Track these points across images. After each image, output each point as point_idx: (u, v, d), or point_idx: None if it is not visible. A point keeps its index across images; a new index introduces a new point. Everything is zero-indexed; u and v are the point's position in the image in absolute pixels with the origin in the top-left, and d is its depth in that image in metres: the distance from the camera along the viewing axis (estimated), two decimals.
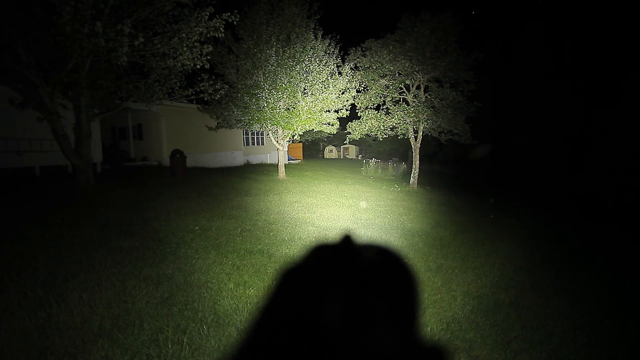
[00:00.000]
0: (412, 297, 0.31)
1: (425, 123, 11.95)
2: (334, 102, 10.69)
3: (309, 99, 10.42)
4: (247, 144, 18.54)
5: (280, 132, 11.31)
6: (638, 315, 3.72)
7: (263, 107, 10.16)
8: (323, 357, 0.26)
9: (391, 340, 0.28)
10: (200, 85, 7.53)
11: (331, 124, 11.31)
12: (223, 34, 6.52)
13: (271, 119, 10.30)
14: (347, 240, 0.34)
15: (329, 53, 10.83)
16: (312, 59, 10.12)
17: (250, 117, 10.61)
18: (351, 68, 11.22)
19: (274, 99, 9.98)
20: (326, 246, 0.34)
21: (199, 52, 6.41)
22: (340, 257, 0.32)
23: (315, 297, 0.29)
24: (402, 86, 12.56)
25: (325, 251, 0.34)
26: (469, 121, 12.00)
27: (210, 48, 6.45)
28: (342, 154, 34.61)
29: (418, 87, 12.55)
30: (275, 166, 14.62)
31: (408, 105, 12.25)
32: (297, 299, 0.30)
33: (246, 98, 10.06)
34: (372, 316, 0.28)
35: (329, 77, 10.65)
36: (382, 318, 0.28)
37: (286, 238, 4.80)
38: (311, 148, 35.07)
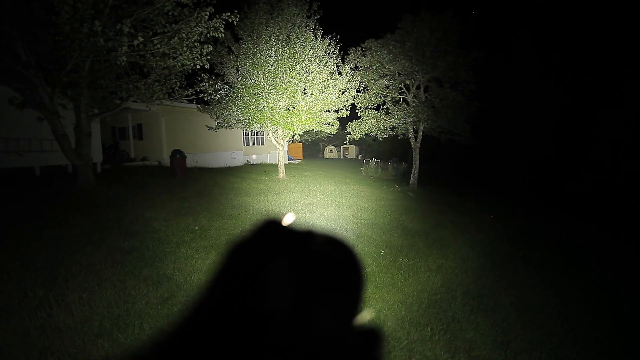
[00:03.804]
0: (356, 285, 0.33)
1: (425, 123, 11.95)
2: (334, 102, 10.68)
3: (309, 99, 10.42)
4: (247, 144, 18.54)
5: (280, 132, 11.31)
6: (637, 315, 3.72)
7: (263, 107, 10.15)
8: (262, 329, 0.27)
9: (330, 321, 0.29)
10: (200, 85, 7.53)
11: (331, 124, 11.31)
12: (223, 34, 6.52)
13: (271, 119, 10.30)
14: (308, 231, 0.35)
15: (328, 53, 10.82)
16: (312, 59, 10.12)
17: (250, 117, 10.60)
18: (351, 68, 11.22)
19: (274, 99, 9.98)
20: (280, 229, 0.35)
21: (199, 52, 6.41)
22: (294, 242, 0.33)
23: (262, 279, 0.30)
24: (402, 86, 12.55)
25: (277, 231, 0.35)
26: (469, 121, 11.99)
27: (210, 48, 6.45)
28: (342, 154, 34.62)
29: (418, 87, 12.54)
30: (275, 166, 14.61)
31: (408, 105, 12.24)
32: (241, 284, 0.31)
33: (246, 98, 10.05)
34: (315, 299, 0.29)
35: (329, 77, 10.64)
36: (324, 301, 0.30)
37: None
38: (311, 148, 35.08)
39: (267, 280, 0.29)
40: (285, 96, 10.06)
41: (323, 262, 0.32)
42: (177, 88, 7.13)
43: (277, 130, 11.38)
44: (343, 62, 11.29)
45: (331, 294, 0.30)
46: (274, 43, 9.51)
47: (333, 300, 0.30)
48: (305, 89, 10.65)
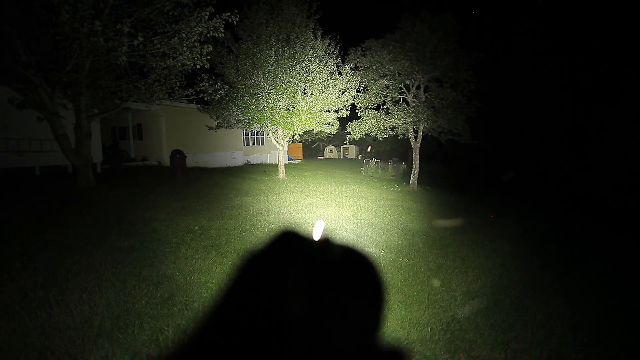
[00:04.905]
0: (378, 297, 0.33)
1: (425, 123, 11.95)
2: (334, 102, 10.68)
3: (309, 99, 10.41)
4: (247, 144, 18.53)
5: (280, 132, 11.31)
6: (637, 315, 3.72)
7: (263, 107, 10.15)
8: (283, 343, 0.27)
9: (352, 335, 0.29)
10: (200, 85, 7.53)
11: (331, 124, 11.31)
12: (223, 34, 6.52)
13: (271, 119, 10.30)
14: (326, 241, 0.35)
15: (329, 53, 10.82)
16: (312, 59, 10.11)
17: (250, 117, 10.60)
18: (351, 68, 11.21)
19: (274, 99, 9.98)
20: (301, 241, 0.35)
21: (199, 52, 6.41)
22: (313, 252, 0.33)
23: (282, 288, 0.30)
24: (402, 86, 12.56)
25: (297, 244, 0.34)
26: (469, 121, 11.99)
27: (210, 48, 6.45)
28: (342, 154, 34.60)
29: (418, 87, 12.54)
30: (275, 166, 14.61)
31: (408, 105, 12.24)
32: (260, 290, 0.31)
33: (246, 98, 10.05)
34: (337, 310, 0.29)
35: (329, 77, 10.64)
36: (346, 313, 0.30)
37: None
38: (311, 148, 35.07)
39: (297, 285, 0.30)
40: (285, 96, 10.05)
41: (347, 273, 0.32)
42: (177, 88, 7.13)
43: (277, 130, 11.38)
44: (343, 62, 11.29)
45: (355, 306, 0.30)
46: (274, 43, 9.50)
47: (358, 312, 0.30)
48: (305, 89, 10.65)
